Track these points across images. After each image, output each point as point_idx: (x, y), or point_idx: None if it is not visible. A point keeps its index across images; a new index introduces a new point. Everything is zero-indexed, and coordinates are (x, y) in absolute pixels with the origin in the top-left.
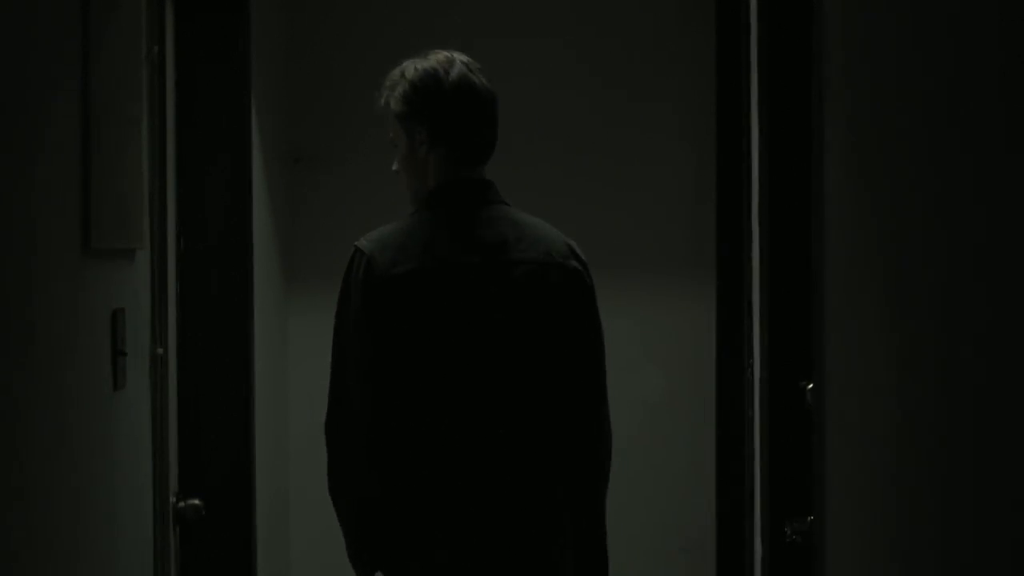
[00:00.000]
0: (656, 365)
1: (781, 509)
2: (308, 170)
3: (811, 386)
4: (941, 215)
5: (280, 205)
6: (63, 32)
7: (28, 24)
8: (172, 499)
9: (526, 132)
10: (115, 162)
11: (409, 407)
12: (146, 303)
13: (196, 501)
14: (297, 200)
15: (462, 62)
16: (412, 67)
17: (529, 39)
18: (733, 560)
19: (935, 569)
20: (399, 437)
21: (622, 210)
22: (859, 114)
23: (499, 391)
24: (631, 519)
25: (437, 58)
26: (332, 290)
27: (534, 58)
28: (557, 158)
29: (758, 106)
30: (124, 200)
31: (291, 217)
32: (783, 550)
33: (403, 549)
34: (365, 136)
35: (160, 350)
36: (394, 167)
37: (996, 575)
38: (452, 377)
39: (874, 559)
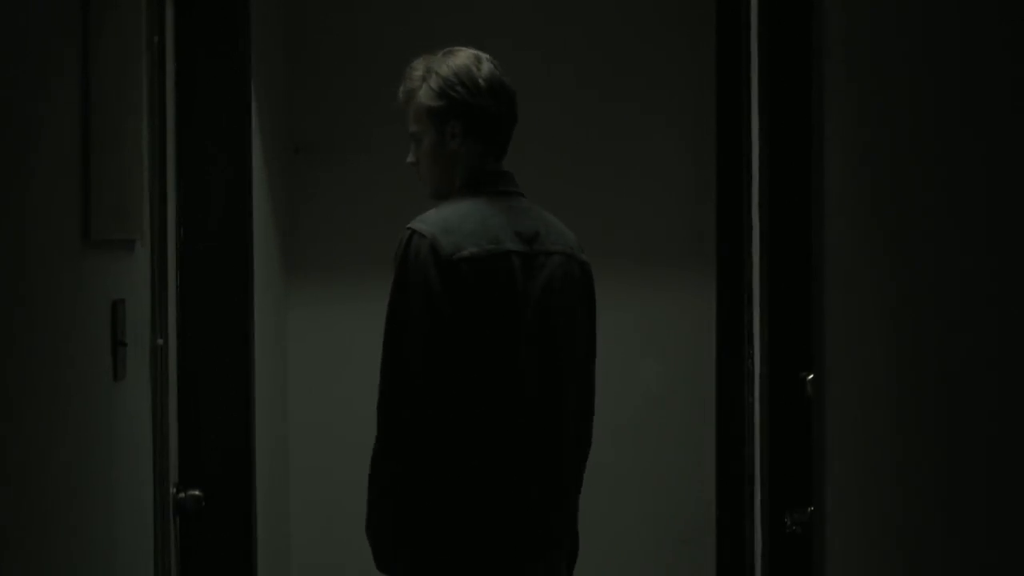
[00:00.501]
0: (657, 357)
1: (781, 500)
2: (308, 161)
3: (811, 377)
4: (941, 208)
5: (280, 196)
6: (63, 23)
7: (28, 15)
8: (172, 490)
9: (527, 129)
10: (115, 153)
11: (463, 388)
12: (146, 294)
13: (196, 492)
14: (297, 190)
15: (487, 59)
16: (442, 63)
17: (529, 37)
18: (733, 551)
19: (936, 559)
20: (453, 417)
21: (623, 204)
22: (860, 108)
23: (542, 376)
24: (631, 510)
25: (465, 54)
26: (333, 280)
27: (534, 56)
28: (559, 154)
29: (758, 101)
30: (124, 191)
31: (291, 207)
32: (783, 541)
33: (443, 530)
34: (365, 127)
35: (160, 341)
36: (410, 159)
37: (997, 565)
38: (503, 360)
39: (874, 550)
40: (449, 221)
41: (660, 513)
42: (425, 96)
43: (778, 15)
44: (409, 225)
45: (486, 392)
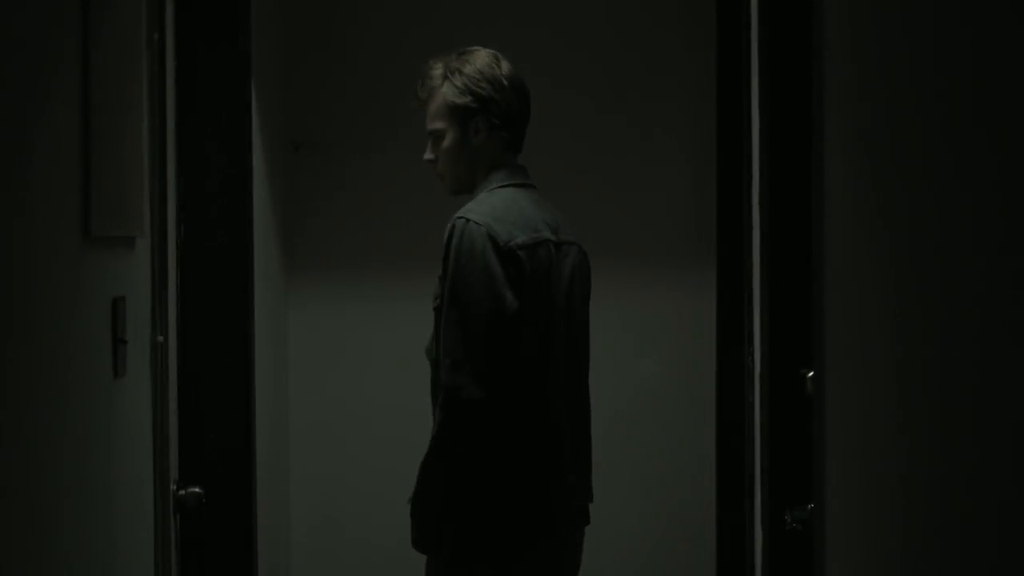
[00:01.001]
0: (657, 355)
1: (781, 497)
2: (308, 158)
3: (811, 374)
4: (942, 206)
5: (280, 193)
6: (63, 21)
7: (27, 13)
8: (172, 487)
9: (529, 127)
10: (115, 150)
11: (515, 372)
12: (146, 291)
13: (197, 489)
14: (297, 188)
15: (503, 57)
16: (464, 62)
17: (529, 34)
18: (733, 549)
19: (935, 557)
20: (507, 401)
21: (623, 201)
22: (861, 106)
23: (568, 362)
24: (631, 507)
25: (483, 53)
26: (332, 277)
27: (534, 53)
28: (559, 152)
29: (759, 98)
30: (124, 188)
31: (291, 205)
32: (783, 538)
33: (486, 508)
34: (365, 125)
35: (160, 338)
36: (428, 156)
37: (997, 563)
38: (545, 346)
39: (875, 547)
40: (496, 210)
41: (660, 511)
42: (450, 93)
43: (778, 14)
44: (460, 215)
45: (532, 377)
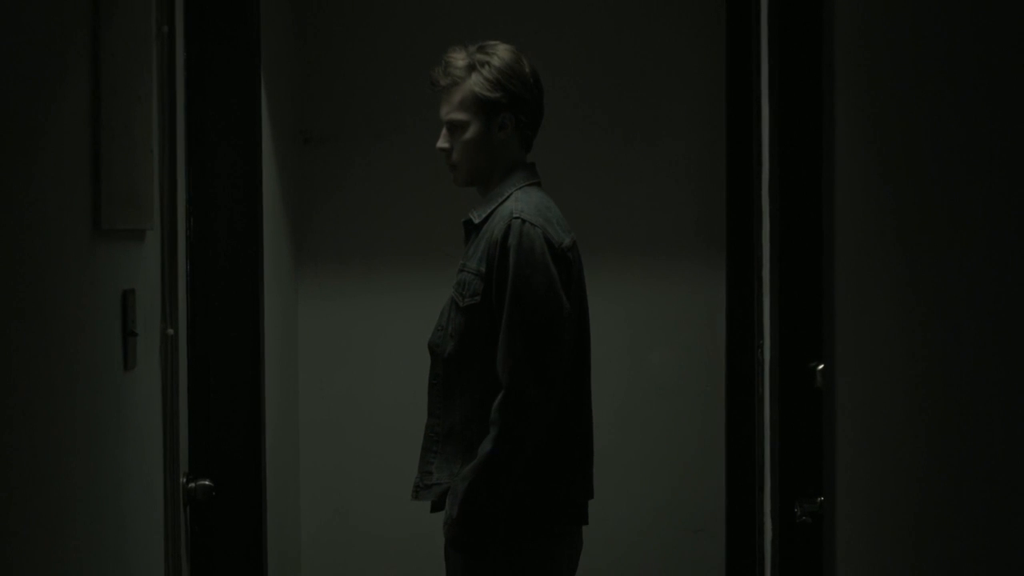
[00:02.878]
0: (666, 345)
1: (791, 490)
2: (317, 150)
3: (821, 367)
4: (954, 196)
5: (290, 185)
6: (73, 13)
7: (37, 5)
8: (182, 479)
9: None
10: (125, 143)
11: (567, 373)
12: (156, 284)
13: (206, 481)
14: (307, 180)
15: (521, 53)
16: (491, 55)
17: (541, 20)
18: (743, 540)
19: (945, 550)
20: (562, 401)
21: (632, 190)
22: (871, 93)
23: (588, 358)
24: (642, 500)
25: (505, 48)
26: (342, 269)
27: (546, 39)
28: (570, 143)
29: (768, 84)
30: (134, 181)
31: (301, 197)
32: (793, 530)
33: (533, 506)
34: (374, 117)
35: (170, 330)
36: (443, 144)
37: (1005, 555)
38: (581, 344)
39: (884, 539)
40: (541, 210)
41: (670, 503)
42: (479, 86)
43: (789, 3)
44: (515, 215)
45: (575, 376)
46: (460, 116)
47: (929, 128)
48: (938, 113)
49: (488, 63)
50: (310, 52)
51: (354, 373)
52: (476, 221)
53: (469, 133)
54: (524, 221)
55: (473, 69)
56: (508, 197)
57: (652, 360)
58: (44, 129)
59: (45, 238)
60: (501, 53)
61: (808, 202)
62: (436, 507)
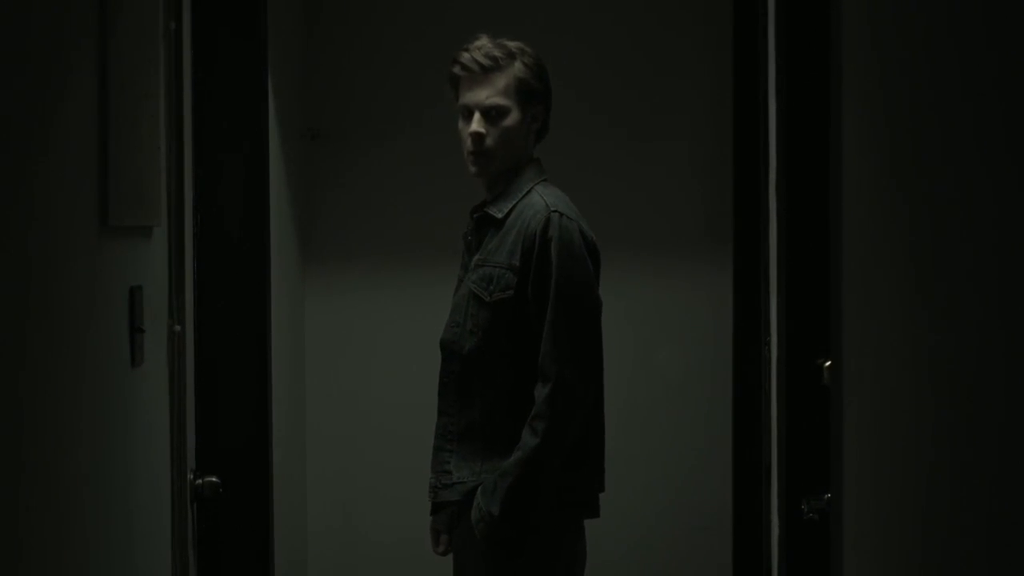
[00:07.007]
0: (673, 342)
1: (798, 486)
2: (325, 147)
3: (828, 364)
4: (961, 193)
5: (297, 182)
6: (80, 10)
7: (44, 2)
8: (190, 476)
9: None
10: (132, 139)
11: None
12: (163, 280)
13: (214, 478)
14: (314, 177)
15: None
16: (524, 47)
17: (548, 20)
18: (750, 537)
19: (952, 546)
20: (596, 394)
21: (639, 186)
22: (879, 95)
23: None
24: (648, 496)
25: (524, 44)
26: (349, 265)
27: (552, 39)
28: (576, 139)
29: (776, 81)
30: (141, 177)
31: (308, 193)
32: (800, 527)
33: (565, 497)
34: (382, 113)
35: (177, 327)
36: (479, 128)
37: (1015, 550)
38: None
39: (891, 537)
40: (570, 206)
41: (677, 500)
42: (524, 73)
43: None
44: (552, 209)
45: (601, 370)
46: (504, 101)
47: (935, 125)
48: (944, 111)
49: (527, 52)
50: (317, 49)
51: (361, 369)
52: (499, 216)
53: (510, 120)
54: (562, 215)
55: (516, 56)
56: (529, 191)
57: (659, 358)
58: (52, 125)
59: (52, 234)
60: (527, 47)
61: (815, 200)
62: (436, 509)
